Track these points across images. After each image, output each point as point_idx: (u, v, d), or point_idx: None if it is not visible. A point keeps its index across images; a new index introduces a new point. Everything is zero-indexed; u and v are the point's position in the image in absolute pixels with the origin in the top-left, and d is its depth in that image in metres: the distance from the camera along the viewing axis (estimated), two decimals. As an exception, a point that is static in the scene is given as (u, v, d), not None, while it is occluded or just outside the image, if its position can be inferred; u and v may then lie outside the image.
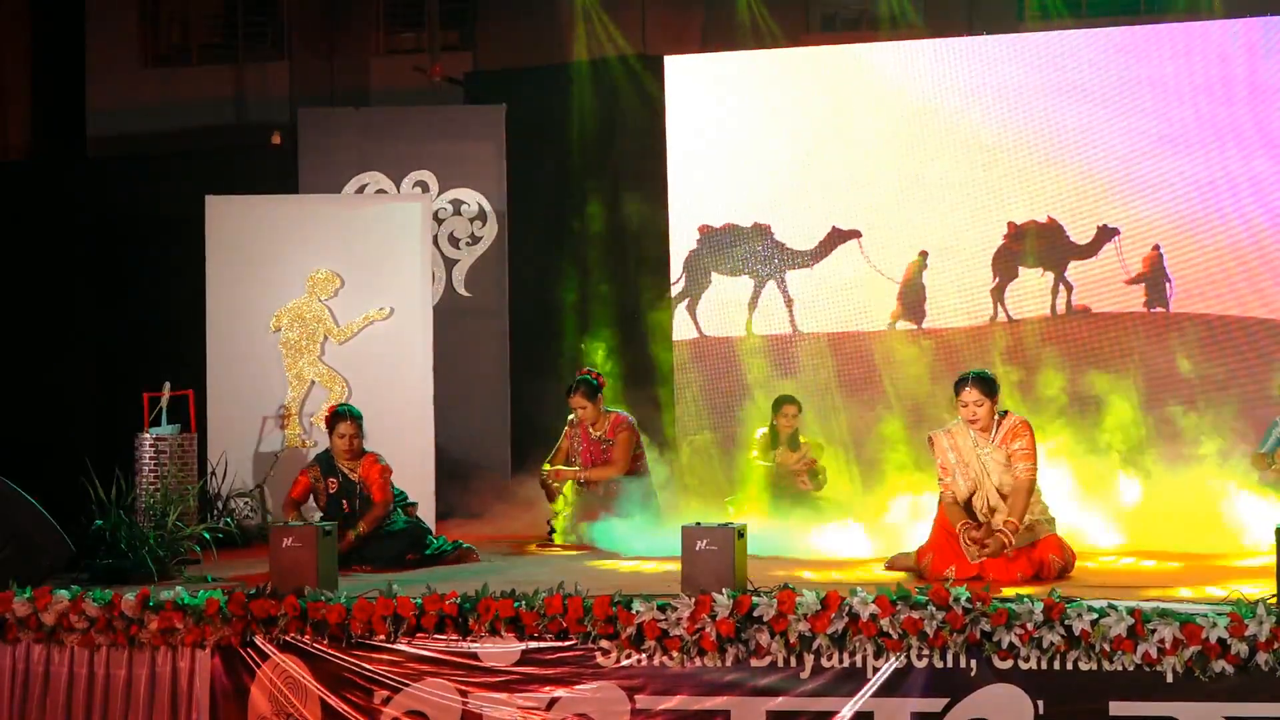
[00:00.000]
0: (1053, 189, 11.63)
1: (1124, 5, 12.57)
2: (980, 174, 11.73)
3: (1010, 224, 11.64)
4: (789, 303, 12.04)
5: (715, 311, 12.18)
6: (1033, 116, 11.65)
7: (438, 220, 11.79)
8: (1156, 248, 11.41)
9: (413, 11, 13.86)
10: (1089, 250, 11.50)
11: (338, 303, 10.77)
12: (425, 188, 11.93)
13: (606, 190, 12.32)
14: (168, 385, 9.82)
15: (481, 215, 12.01)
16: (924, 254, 11.76)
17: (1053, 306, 11.58)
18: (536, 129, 12.37)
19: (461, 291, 12.01)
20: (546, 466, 9.81)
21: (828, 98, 12.05)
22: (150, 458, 9.50)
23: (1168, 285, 11.37)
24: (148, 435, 9.56)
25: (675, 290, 12.16)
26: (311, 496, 9.00)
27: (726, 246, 12.12)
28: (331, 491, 8.91)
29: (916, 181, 11.82)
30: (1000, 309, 11.62)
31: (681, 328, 12.19)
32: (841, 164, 11.99)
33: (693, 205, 12.20)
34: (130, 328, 12.58)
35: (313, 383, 10.67)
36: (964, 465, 7.92)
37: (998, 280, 11.64)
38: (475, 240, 12.02)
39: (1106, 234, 11.45)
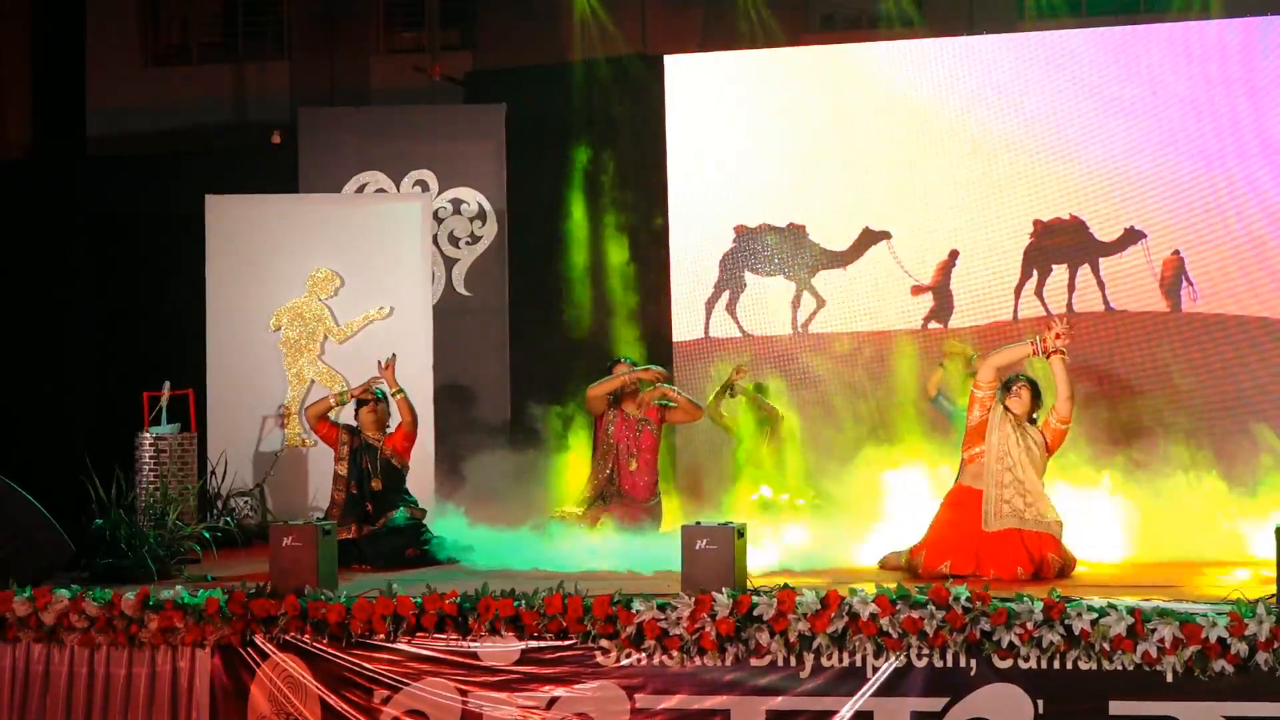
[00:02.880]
0: (1058, 188, 11.62)
1: (1124, 4, 12.54)
2: (986, 173, 11.71)
3: (1036, 221, 11.64)
4: (782, 303, 12.07)
5: (745, 310, 12.18)
6: (1037, 115, 11.63)
7: (437, 219, 11.79)
8: (1177, 252, 11.42)
9: (413, 11, 13.84)
10: (1114, 248, 11.51)
11: (337, 302, 10.78)
12: (425, 187, 11.93)
13: (606, 189, 12.31)
14: (168, 385, 9.83)
15: (481, 214, 12.02)
16: (954, 254, 11.76)
17: (1105, 301, 11.59)
18: (536, 129, 12.37)
19: (461, 291, 12.01)
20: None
21: (829, 98, 12.04)
22: (150, 458, 9.51)
23: (1188, 288, 11.37)
24: (148, 435, 9.57)
25: (709, 290, 12.16)
26: (336, 446, 9.18)
27: (758, 246, 12.11)
28: (354, 447, 9.11)
29: (921, 180, 11.81)
30: (1040, 304, 11.63)
31: (715, 327, 12.19)
32: (843, 164, 11.99)
33: (693, 204, 12.20)
34: (130, 328, 12.58)
35: (312, 382, 10.68)
36: (1008, 455, 8.07)
37: (1030, 277, 11.64)
38: (475, 239, 12.02)
39: (1134, 236, 11.47)
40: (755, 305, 12.11)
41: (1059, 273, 11.62)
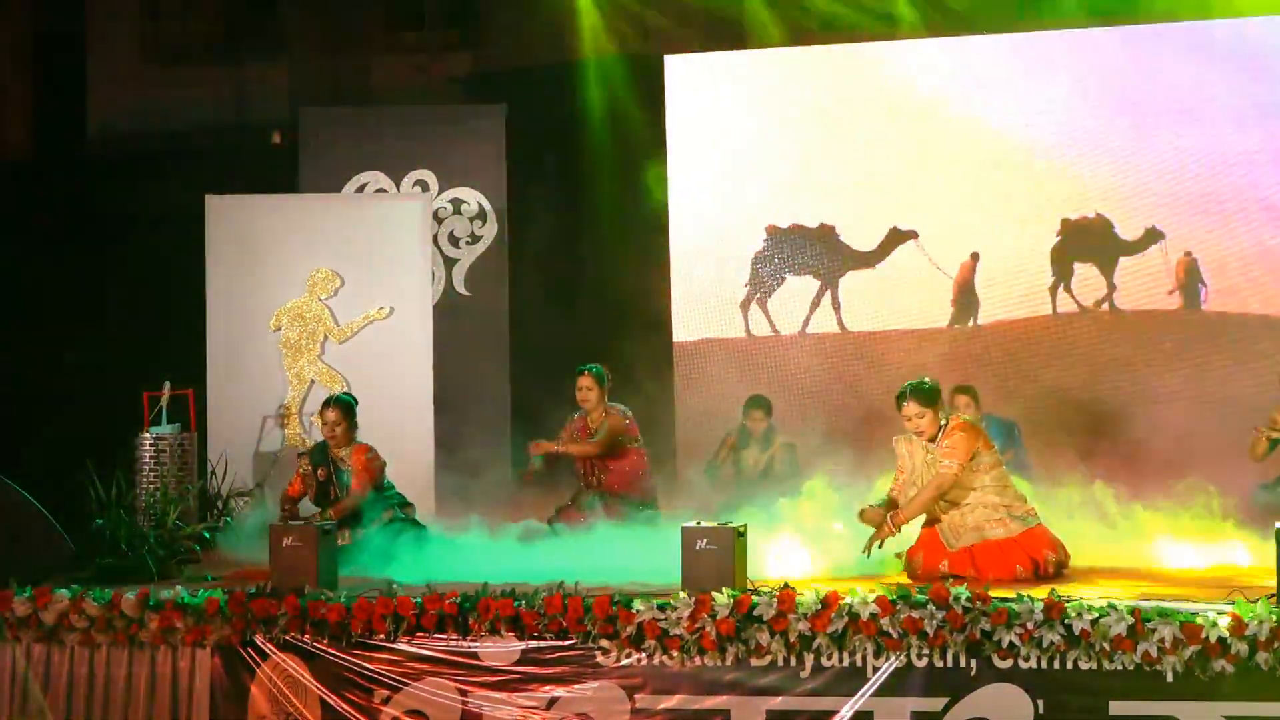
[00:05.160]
0: (1074, 188, 11.63)
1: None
2: (1005, 172, 11.71)
3: (1064, 220, 11.65)
4: (808, 303, 12.08)
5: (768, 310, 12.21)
6: (1049, 115, 11.65)
7: (437, 219, 11.80)
8: (1189, 254, 11.43)
9: (413, 11, 13.85)
10: (1135, 248, 11.53)
11: (338, 302, 10.78)
12: (425, 187, 11.94)
13: (606, 189, 12.31)
14: (168, 385, 9.82)
15: (481, 214, 12.02)
16: (976, 255, 11.78)
17: (1110, 300, 11.61)
18: (537, 128, 12.37)
19: (461, 291, 12.02)
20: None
21: (830, 97, 12.06)
22: (150, 458, 9.49)
23: (1202, 290, 11.39)
24: (148, 435, 9.56)
25: (742, 291, 12.17)
26: (307, 491, 9.02)
27: (790, 247, 12.13)
28: (320, 479, 8.94)
29: (941, 180, 11.82)
30: (1064, 302, 11.65)
31: (749, 326, 12.19)
32: (843, 163, 12.00)
33: (693, 204, 12.21)
34: (130, 328, 12.58)
35: (313, 382, 10.68)
36: (914, 472, 8.00)
37: (1056, 276, 11.66)
38: (475, 239, 12.02)
39: (1154, 235, 11.49)
40: (777, 305, 12.13)
41: (1081, 271, 11.63)
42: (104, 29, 14.04)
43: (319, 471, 8.93)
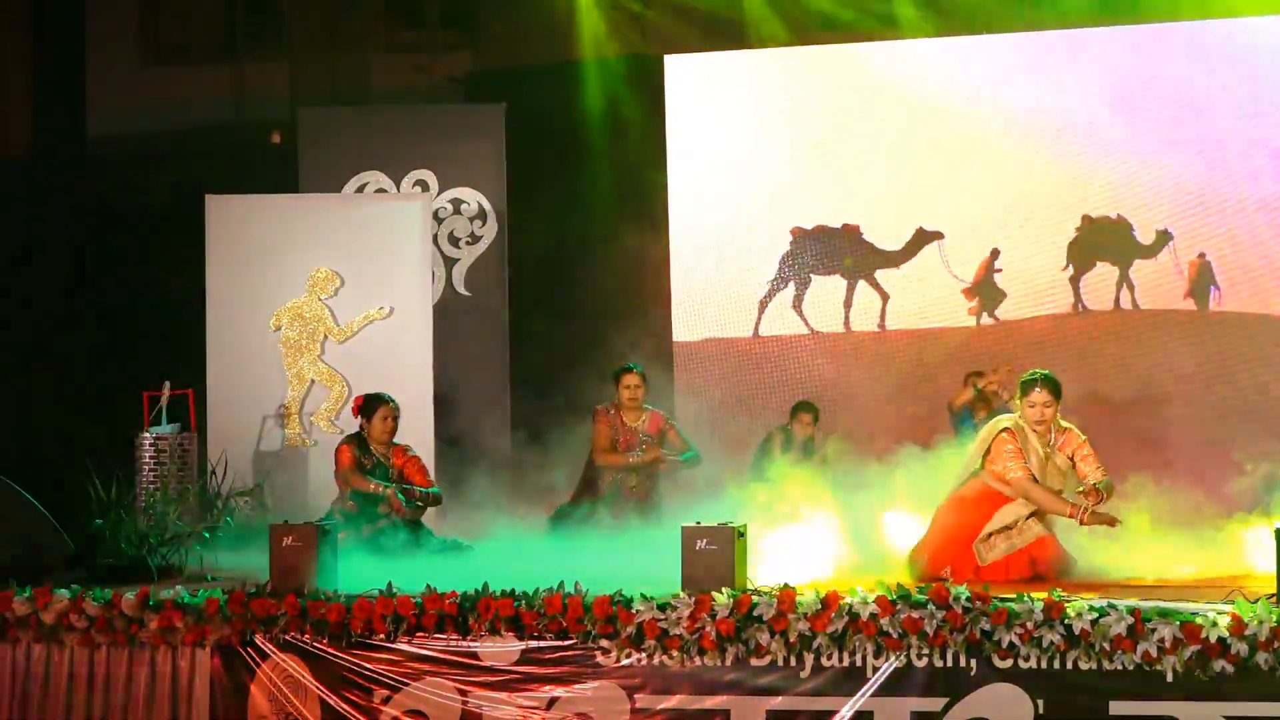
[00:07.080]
0: (1086, 190, 11.64)
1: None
2: (1023, 171, 11.73)
3: (1084, 216, 11.66)
4: (834, 303, 12.11)
5: (775, 311, 12.21)
6: (1059, 115, 11.66)
7: (437, 219, 11.80)
8: (1202, 255, 11.45)
9: (413, 11, 13.85)
10: (1149, 251, 11.56)
11: (338, 301, 10.79)
12: (425, 187, 11.94)
13: (606, 189, 12.32)
14: (168, 385, 9.83)
15: (481, 214, 12.02)
16: (995, 252, 11.79)
17: (1117, 300, 11.63)
18: (537, 129, 12.38)
19: (461, 291, 12.02)
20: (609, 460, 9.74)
21: (831, 97, 12.07)
22: (150, 457, 9.51)
23: (1213, 291, 11.41)
24: (148, 435, 9.57)
25: (747, 290, 12.18)
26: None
27: (815, 247, 12.15)
28: (368, 468, 9.01)
29: (933, 179, 11.84)
30: (1078, 299, 11.67)
31: (759, 326, 12.22)
32: (849, 163, 12.01)
33: (693, 204, 12.21)
34: (130, 327, 12.58)
35: (313, 382, 10.69)
36: (1038, 465, 7.93)
37: (1074, 270, 11.67)
38: (475, 239, 12.03)
39: (1164, 238, 11.51)
40: (785, 304, 12.16)
41: (1097, 270, 11.64)
42: (104, 29, 14.05)
43: (364, 459, 9.03)
